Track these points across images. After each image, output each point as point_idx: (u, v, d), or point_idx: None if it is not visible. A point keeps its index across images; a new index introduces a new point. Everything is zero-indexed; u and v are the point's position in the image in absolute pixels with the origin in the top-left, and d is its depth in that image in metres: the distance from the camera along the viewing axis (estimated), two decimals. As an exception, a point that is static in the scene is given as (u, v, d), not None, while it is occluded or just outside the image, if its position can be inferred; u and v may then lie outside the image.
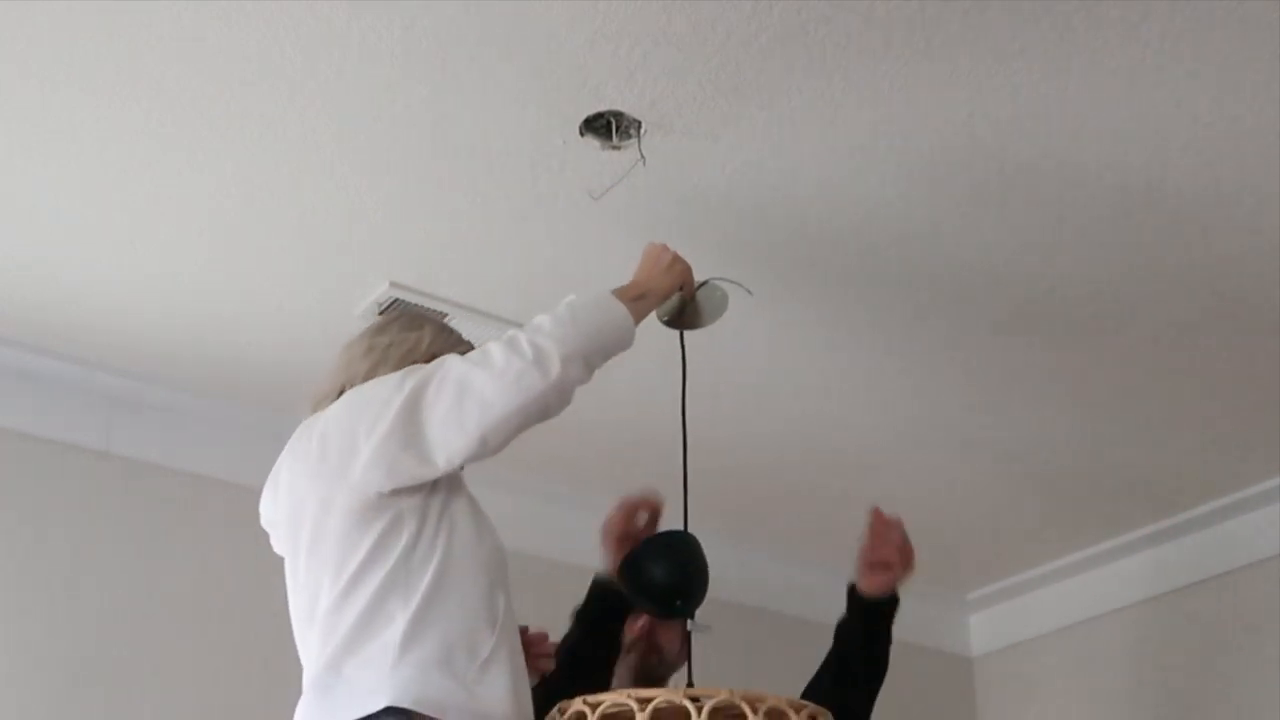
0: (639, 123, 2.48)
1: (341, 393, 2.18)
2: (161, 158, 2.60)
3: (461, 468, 2.14)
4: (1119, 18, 2.26)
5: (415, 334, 2.23)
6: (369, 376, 2.17)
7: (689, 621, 2.27)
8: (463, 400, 2.03)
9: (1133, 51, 2.33)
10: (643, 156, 2.52)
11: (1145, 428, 3.46)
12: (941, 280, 2.94)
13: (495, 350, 2.08)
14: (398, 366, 2.17)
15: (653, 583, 2.28)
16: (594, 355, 2.15)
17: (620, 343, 2.23)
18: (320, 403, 2.22)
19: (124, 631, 3.15)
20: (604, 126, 2.49)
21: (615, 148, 2.52)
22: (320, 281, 2.94)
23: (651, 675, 2.62)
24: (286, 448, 2.17)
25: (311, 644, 2.08)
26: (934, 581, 4.32)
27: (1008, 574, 4.30)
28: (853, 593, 2.77)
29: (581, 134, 2.51)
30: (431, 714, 1.95)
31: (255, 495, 3.26)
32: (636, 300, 2.27)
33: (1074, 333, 3.10)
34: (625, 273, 2.44)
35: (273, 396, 3.25)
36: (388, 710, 1.94)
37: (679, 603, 2.26)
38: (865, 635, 2.73)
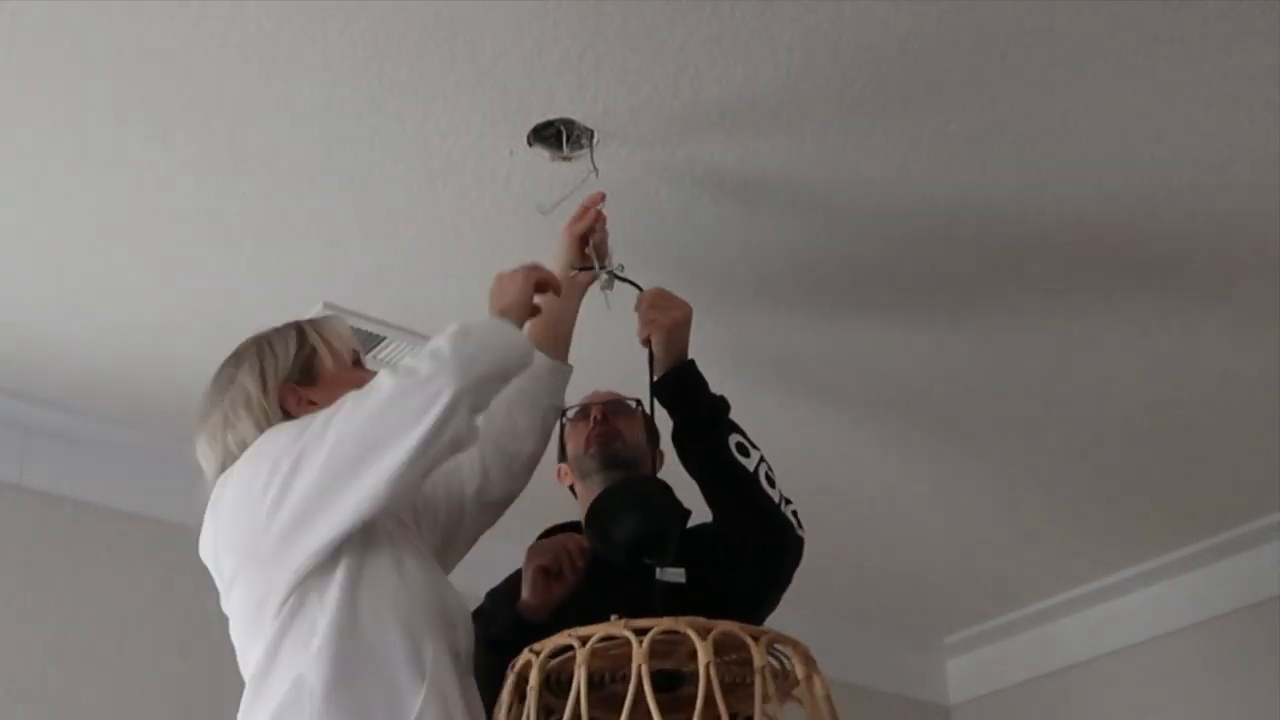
0: (591, 132, 2.47)
1: (223, 468, 2.08)
2: (87, 173, 2.55)
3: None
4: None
5: (236, 383, 2.12)
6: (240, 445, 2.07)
7: (658, 570, 2.18)
8: (355, 455, 1.93)
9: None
10: (595, 168, 2.50)
11: (1120, 476, 3.52)
12: (920, 289, 2.92)
13: (382, 382, 1.97)
14: (253, 420, 2.07)
15: (617, 539, 2.19)
16: (486, 374, 2.00)
17: (511, 352, 2.06)
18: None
19: (37, 669, 3.10)
20: (554, 136, 2.48)
21: (566, 159, 2.51)
22: (252, 303, 2.85)
23: (617, 459, 2.46)
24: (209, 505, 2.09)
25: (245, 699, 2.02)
26: (910, 625, 4.33)
27: (985, 618, 4.29)
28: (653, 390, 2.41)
29: (530, 144, 2.49)
30: None
31: (173, 530, 3.25)
32: (503, 315, 2.15)
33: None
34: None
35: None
36: None
37: (649, 555, 2.17)
38: (686, 430, 2.36)
